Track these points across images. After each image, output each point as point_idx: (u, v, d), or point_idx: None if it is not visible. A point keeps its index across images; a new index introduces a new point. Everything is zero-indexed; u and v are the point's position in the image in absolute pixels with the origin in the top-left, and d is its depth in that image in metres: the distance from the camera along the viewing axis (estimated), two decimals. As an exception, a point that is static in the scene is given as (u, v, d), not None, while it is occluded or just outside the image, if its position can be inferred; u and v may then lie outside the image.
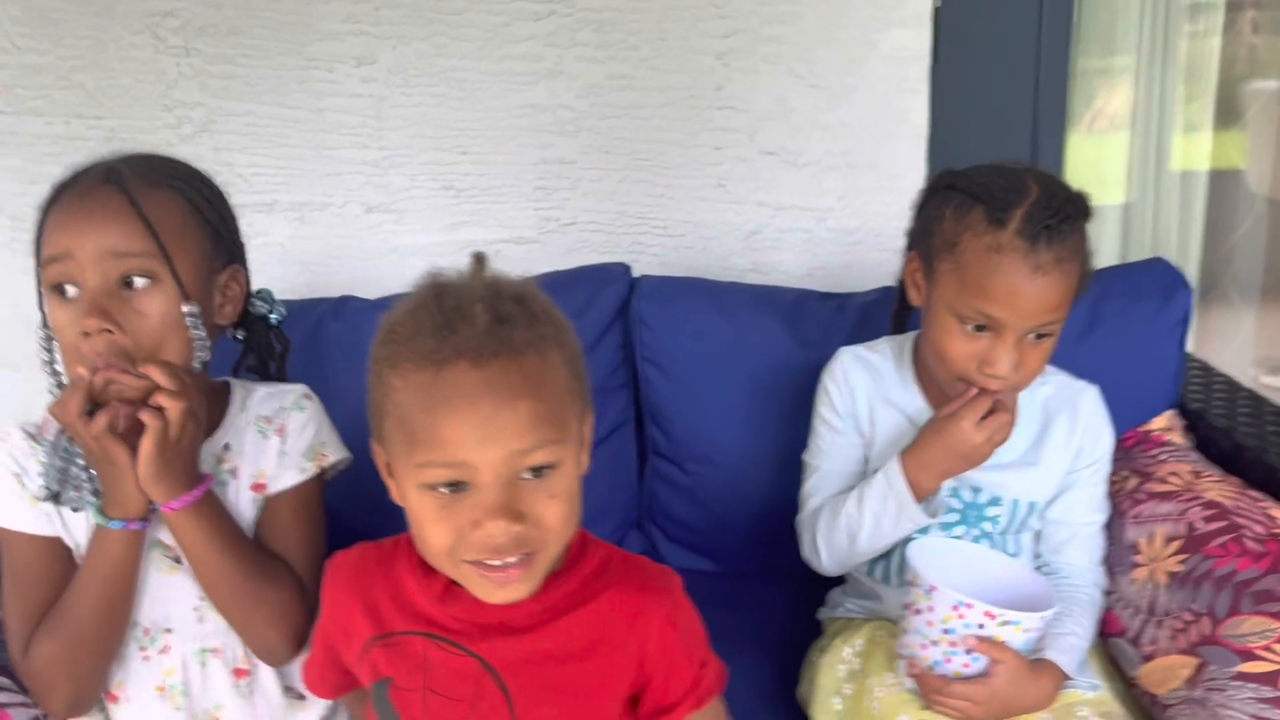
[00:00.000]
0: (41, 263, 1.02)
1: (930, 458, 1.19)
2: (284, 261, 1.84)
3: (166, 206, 1.04)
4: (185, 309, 1.04)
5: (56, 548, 1.09)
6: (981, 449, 1.16)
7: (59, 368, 1.06)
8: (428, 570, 0.91)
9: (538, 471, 0.82)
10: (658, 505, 1.63)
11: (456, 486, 0.81)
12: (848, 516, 1.25)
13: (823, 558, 1.29)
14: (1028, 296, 1.11)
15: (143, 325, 1.01)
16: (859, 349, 1.34)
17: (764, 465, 1.52)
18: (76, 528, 1.09)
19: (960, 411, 1.16)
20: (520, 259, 1.86)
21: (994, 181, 1.15)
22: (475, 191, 1.83)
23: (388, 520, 0.92)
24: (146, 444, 0.98)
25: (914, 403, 1.30)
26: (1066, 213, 1.12)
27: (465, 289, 0.82)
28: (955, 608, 1.11)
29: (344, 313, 1.60)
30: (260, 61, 1.75)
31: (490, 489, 0.81)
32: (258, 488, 1.13)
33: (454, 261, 1.89)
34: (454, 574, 0.87)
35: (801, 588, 1.46)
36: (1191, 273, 2.28)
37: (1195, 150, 2.41)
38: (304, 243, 1.85)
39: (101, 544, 1.03)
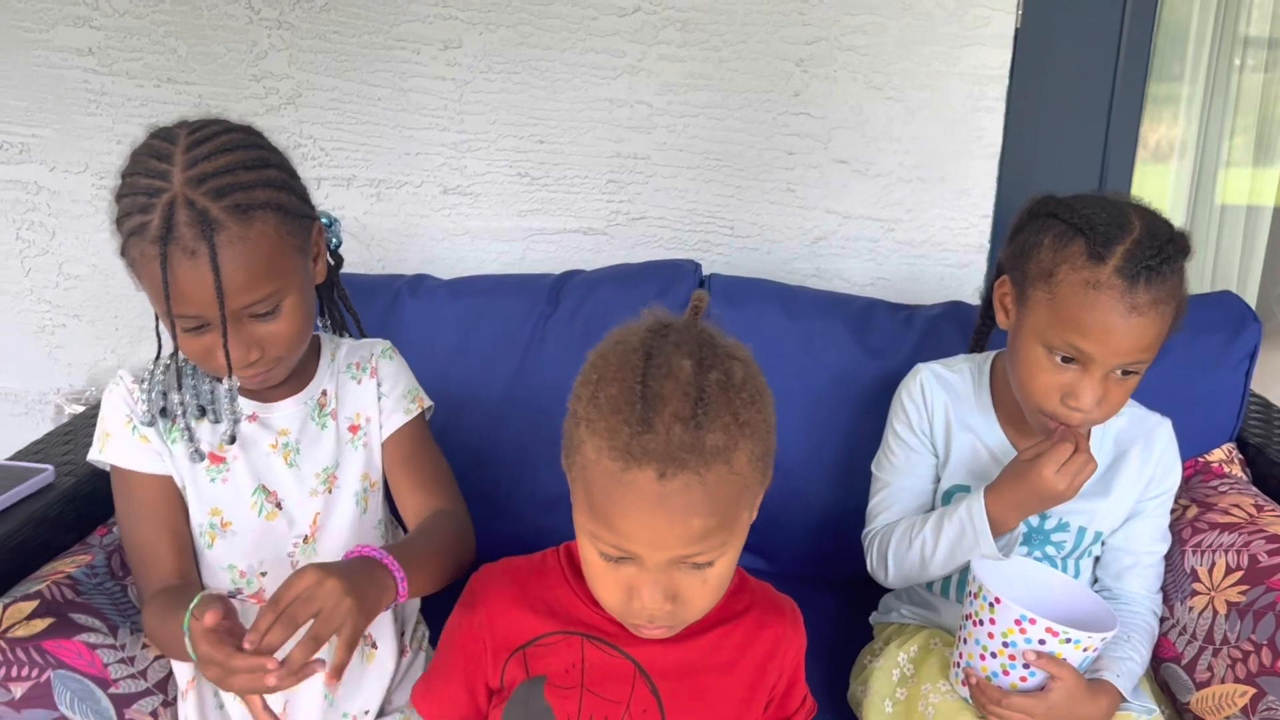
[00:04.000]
0: (169, 314, 1.00)
1: (1013, 500, 1.19)
2: (358, 236, 1.87)
3: (262, 234, 1.01)
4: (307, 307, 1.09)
5: (169, 486, 1.13)
6: (1064, 494, 1.16)
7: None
8: (580, 576, 0.95)
9: (698, 566, 0.86)
10: (712, 502, 1.65)
11: (622, 559, 0.86)
12: (923, 542, 1.26)
13: (890, 574, 1.31)
14: (1121, 335, 1.11)
15: (281, 337, 1.07)
16: (937, 367, 1.34)
17: (825, 471, 1.54)
18: (182, 463, 1.13)
19: (1042, 459, 1.15)
20: (587, 250, 1.89)
21: (1097, 214, 1.14)
22: (549, 180, 1.86)
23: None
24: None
25: (990, 428, 1.30)
26: (1168, 253, 1.12)
27: (674, 370, 0.82)
28: (1018, 622, 1.13)
29: (419, 291, 1.63)
30: (349, 38, 1.78)
31: (651, 572, 0.85)
32: (354, 429, 1.20)
33: (524, 249, 1.93)
34: (613, 613, 0.92)
35: (853, 591, 1.48)
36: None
37: (1257, 185, 2.42)
38: (378, 219, 1.88)
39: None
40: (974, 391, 1.32)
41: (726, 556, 0.88)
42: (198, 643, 0.91)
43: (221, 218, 0.98)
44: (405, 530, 1.25)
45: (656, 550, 0.83)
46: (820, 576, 1.55)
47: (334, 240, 1.24)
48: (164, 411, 1.11)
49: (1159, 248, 1.11)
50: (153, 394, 1.11)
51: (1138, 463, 1.28)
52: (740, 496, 0.85)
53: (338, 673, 0.92)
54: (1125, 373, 1.16)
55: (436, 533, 1.15)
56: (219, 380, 1.12)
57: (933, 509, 1.34)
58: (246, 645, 0.89)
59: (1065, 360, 1.15)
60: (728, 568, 0.89)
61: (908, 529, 1.29)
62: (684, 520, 0.81)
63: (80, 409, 1.88)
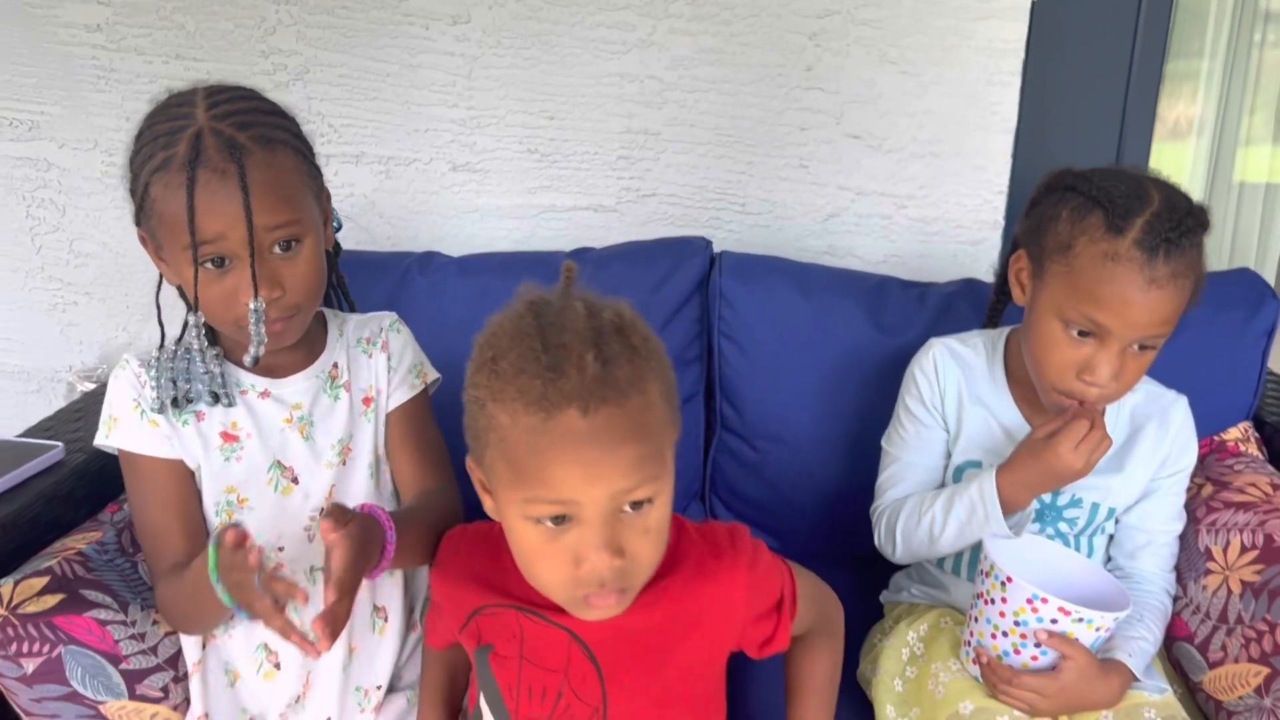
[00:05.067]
0: (194, 245, 1.01)
1: (1027, 478, 1.18)
2: (367, 213, 1.87)
3: (285, 165, 1.05)
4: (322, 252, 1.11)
5: (180, 469, 1.13)
6: (1081, 471, 1.15)
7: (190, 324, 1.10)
8: None
9: (637, 505, 0.86)
10: (722, 479, 1.65)
11: (560, 520, 0.85)
12: (932, 519, 1.25)
13: (898, 550, 1.31)
14: (1139, 308, 1.10)
15: (302, 280, 1.08)
16: (951, 341, 1.33)
17: (835, 448, 1.53)
18: (193, 447, 1.13)
19: (1058, 437, 1.14)
20: (597, 227, 1.88)
21: (1116, 187, 1.13)
22: (558, 157, 1.85)
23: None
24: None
25: (1003, 404, 1.29)
26: (1187, 226, 1.11)
27: (568, 322, 0.84)
28: (1029, 601, 1.12)
29: (429, 268, 1.62)
30: (358, 13, 1.77)
31: (593, 525, 0.84)
32: (368, 401, 1.21)
33: (534, 226, 1.92)
34: (555, 599, 0.91)
35: (862, 569, 1.48)
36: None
37: (1276, 162, 2.39)
38: (387, 196, 1.87)
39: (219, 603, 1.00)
40: (988, 366, 1.31)
41: (662, 497, 0.87)
42: (223, 553, 0.93)
43: (248, 144, 1.01)
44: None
45: (594, 486, 0.82)
46: (831, 553, 1.54)
47: (336, 222, 1.24)
48: (174, 401, 1.11)
49: (1178, 220, 1.10)
50: (161, 380, 1.11)
51: (1153, 440, 1.27)
52: (663, 429, 0.87)
53: (331, 621, 0.90)
54: (1142, 348, 1.14)
55: (430, 510, 1.15)
56: (218, 363, 1.12)
57: (943, 485, 1.33)
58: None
59: (1082, 334, 1.14)
60: (665, 513, 0.89)
61: (917, 505, 1.28)
62: (614, 449, 0.82)
63: (92, 386, 1.89)
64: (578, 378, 0.81)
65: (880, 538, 1.33)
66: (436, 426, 1.26)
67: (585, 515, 0.84)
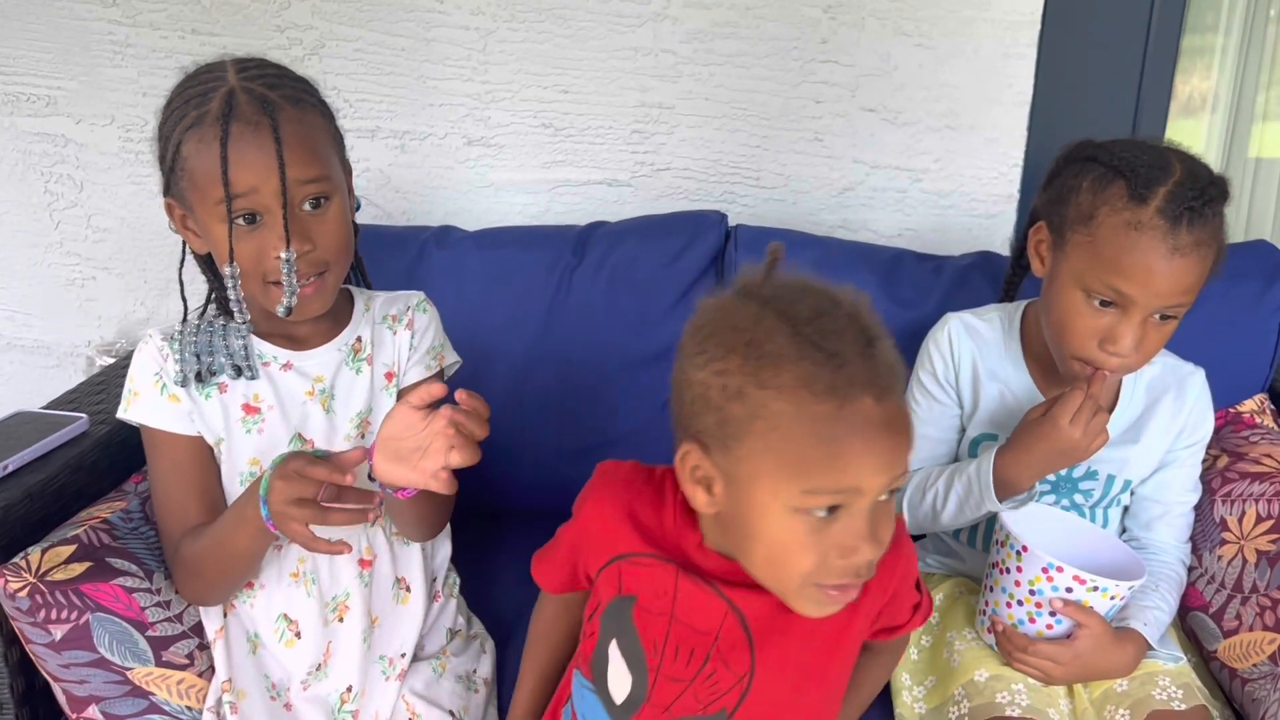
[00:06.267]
0: (229, 199, 1.03)
1: (1029, 458, 1.18)
2: (383, 188, 1.87)
3: (314, 123, 1.08)
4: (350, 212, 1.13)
5: (198, 446, 1.14)
6: (1080, 443, 1.14)
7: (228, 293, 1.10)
8: (691, 516, 0.93)
9: (890, 493, 0.85)
10: (737, 452, 1.66)
11: (833, 510, 0.82)
12: (935, 494, 1.26)
13: (905, 521, 1.31)
14: (1162, 276, 1.10)
15: (331, 237, 1.09)
16: (967, 316, 1.33)
17: (851, 420, 1.54)
18: (214, 420, 1.14)
19: (1055, 412, 1.15)
20: (612, 201, 1.88)
21: (1138, 157, 1.13)
22: (573, 131, 1.85)
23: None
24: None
25: (1020, 377, 1.30)
26: (1210, 195, 1.11)
27: (826, 312, 0.82)
28: (1045, 570, 1.13)
29: (446, 242, 1.63)
30: (373, -12, 1.77)
31: (864, 515, 0.82)
32: (390, 376, 1.21)
33: (548, 200, 1.92)
34: (787, 592, 0.87)
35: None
36: None
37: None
38: (403, 171, 1.87)
39: (258, 525, 1.04)
40: (1004, 340, 1.31)
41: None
42: (300, 463, 0.99)
43: (279, 101, 1.05)
44: None
45: (882, 475, 0.81)
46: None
47: (356, 202, 1.24)
48: (199, 375, 1.12)
49: (1201, 189, 1.10)
50: (185, 354, 1.12)
51: (1170, 411, 1.27)
52: None
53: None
54: (1163, 317, 1.15)
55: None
56: (242, 335, 1.13)
57: (957, 459, 1.34)
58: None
59: (1104, 304, 1.14)
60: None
61: (924, 479, 1.29)
62: (902, 436, 0.82)
63: (111, 361, 1.90)
64: (864, 365, 0.80)
65: None
66: None
67: (859, 505, 0.82)
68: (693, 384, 0.84)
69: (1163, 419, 1.27)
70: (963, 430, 1.33)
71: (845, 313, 0.82)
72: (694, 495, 0.87)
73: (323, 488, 1.00)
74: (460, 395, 0.99)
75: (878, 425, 0.80)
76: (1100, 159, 1.16)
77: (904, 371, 0.84)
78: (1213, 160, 2.32)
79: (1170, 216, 1.09)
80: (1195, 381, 1.29)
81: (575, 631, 1.09)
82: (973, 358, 1.31)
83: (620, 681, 0.97)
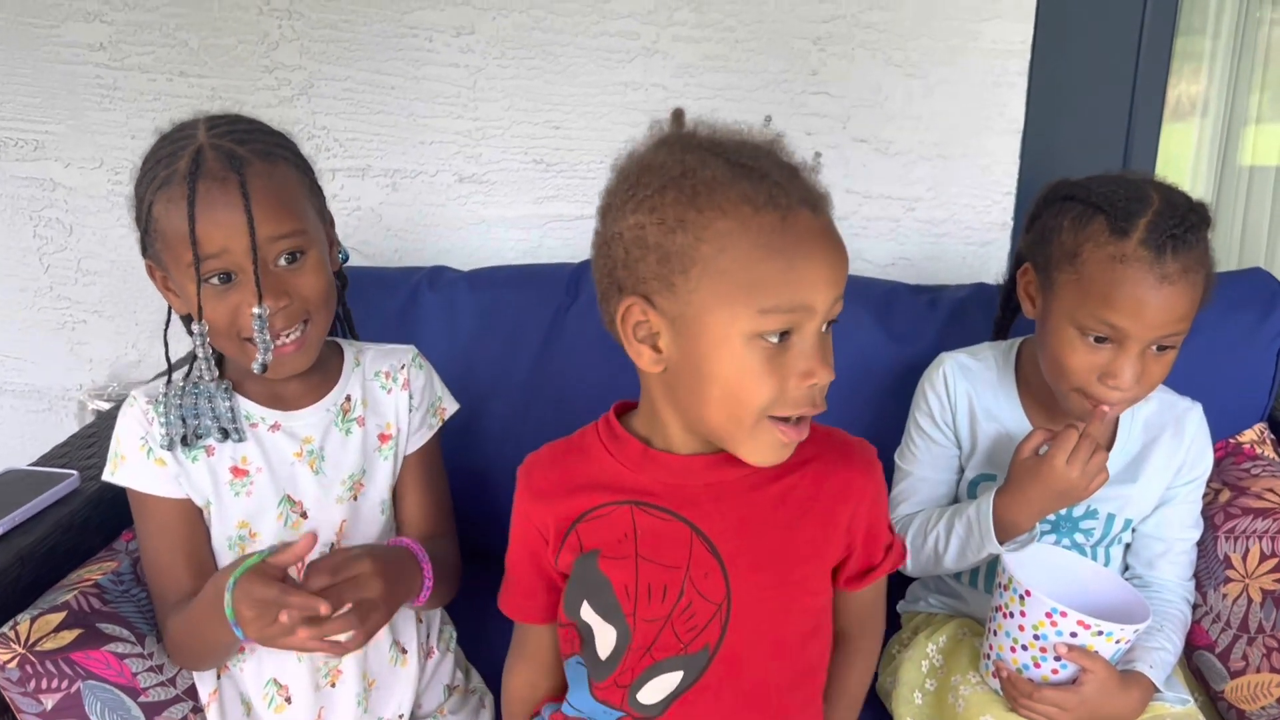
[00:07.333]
0: (197, 260, 1.01)
1: (1025, 498, 1.17)
2: (374, 227, 1.86)
3: (286, 177, 1.06)
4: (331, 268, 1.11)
5: (187, 508, 1.12)
6: (1078, 483, 1.14)
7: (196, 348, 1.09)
8: (620, 441, 0.94)
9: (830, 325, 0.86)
10: (735, 488, 1.64)
11: (784, 336, 0.83)
12: (937, 538, 1.25)
13: (909, 565, 1.30)
14: (1154, 307, 1.10)
15: (310, 289, 1.07)
16: (961, 356, 1.33)
17: (849, 457, 1.52)
18: (202, 483, 1.12)
19: (1051, 452, 1.14)
20: (605, 235, 1.87)
21: (1114, 191, 1.13)
22: (564, 166, 1.84)
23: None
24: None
25: (1016, 416, 1.29)
26: (1190, 221, 1.10)
27: (749, 141, 0.85)
28: (1049, 614, 1.12)
29: (439, 283, 1.62)
30: (361, 27, 1.76)
31: (813, 339, 0.83)
32: (384, 438, 1.20)
33: (541, 236, 1.91)
34: (742, 434, 0.87)
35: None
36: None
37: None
38: (394, 209, 1.87)
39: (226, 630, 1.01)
40: (999, 379, 1.31)
41: None
42: (252, 586, 0.94)
43: (248, 156, 1.02)
44: None
45: (831, 289, 0.83)
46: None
47: (342, 254, 1.23)
48: (184, 439, 1.10)
49: (1181, 216, 1.10)
50: (170, 417, 1.10)
51: (1168, 449, 1.26)
52: None
53: (345, 651, 0.98)
54: (1161, 348, 1.14)
55: (449, 557, 1.18)
56: (227, 397, 1.12)
57: (957, 499, 1.33)
58: (290, 611, 0.92)
59: (1099, 340, 1.13)
60: None
61: (925, 522, 1.28)
62: (841, 251, 0.84)
63: (104, 405, 1.89)
64: (795, 182, 0.82)
65: None
66: (444, 470, 1.26)
67: (810, 327, 0.83)
68: (625, 233, 0.85)
69: (1161, 456, 1.26)
70: (961, 470, 1.32)
71: (765, 141, 0.85)
72: (640, 355, 0.87)
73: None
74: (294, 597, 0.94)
75: (820, 236, 0.82)
76: (1078, 196, 1.16)
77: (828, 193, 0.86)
78: (1204, 169, 2.32)
79: (1154, 246, 1.09)
80: (1193, 417, 1.28)
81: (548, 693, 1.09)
82: (969, 397, 1.30)
83: (605, 639, 0.96)
